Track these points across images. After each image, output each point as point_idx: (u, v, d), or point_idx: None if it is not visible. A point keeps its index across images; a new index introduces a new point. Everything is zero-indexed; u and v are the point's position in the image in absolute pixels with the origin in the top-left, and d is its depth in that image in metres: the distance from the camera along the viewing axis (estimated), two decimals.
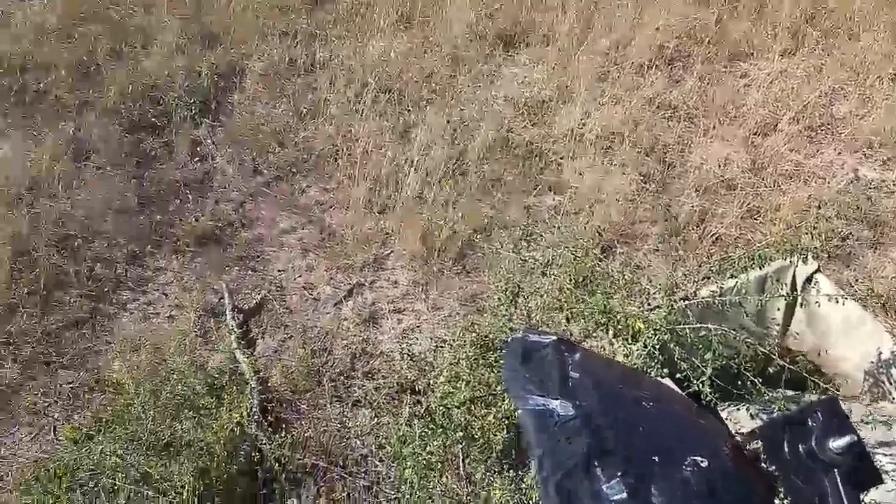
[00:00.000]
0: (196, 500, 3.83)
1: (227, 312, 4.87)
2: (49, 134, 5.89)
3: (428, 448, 3.73)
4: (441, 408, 3.94)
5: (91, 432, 4.19)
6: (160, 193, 5.72)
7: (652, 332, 3.67)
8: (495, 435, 3.70)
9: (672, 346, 3.62)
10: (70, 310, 4.84)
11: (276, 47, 6.87)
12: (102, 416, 4.28)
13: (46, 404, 4.42)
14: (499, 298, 4.38)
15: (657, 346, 3.63)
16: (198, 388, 4.25)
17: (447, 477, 3.86)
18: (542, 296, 4.07)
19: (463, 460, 3.84)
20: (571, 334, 3.92)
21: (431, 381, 4.30)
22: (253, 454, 4.10)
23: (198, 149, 6.09)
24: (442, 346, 4.43)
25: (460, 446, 3.81)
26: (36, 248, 5.04)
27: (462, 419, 3.74)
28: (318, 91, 6.52)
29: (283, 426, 4.33)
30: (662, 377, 3.62)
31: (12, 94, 6.23)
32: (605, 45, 6.98)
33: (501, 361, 3.69)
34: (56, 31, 6.67)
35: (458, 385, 3.98)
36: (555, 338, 3.32)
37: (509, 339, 3.51)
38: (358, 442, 4.34)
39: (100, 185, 5.59)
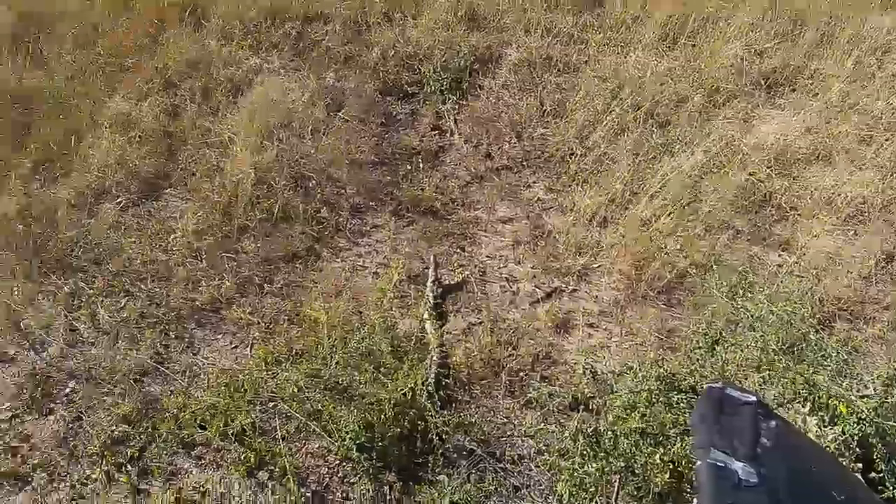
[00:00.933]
0: (355, 448, 4.16)
1: (429, 283, 5.23)
2: (312, 80, 6.59)
3: (586, 468, 3.83)
4: (609, 432, 4.01)
5: (281, 358, 4.71)
6: (395, 156, 6.23)
7: (855, 419, 3.51)
8: (657, 476, 3.72)
9: (875, 441, 3.44)
10: (290, 243, 5.44)
11: (537, 42, 7.18)
12: (294, 347, 4.76)
13: (250, 322, 4.99)
14: (697, 341, 4.37)
15: (856, 437, 3.46)
16: (383, 345, 4.62)
17: (597, 502, 3.92)
18: (742, 350, 4.00)
19: (617, 491, 3.90)
20: (763, 398, 3.83)
21: (606, 404, 4.36)
22: (418, 422, 4.38)
23: (440, 122, 6.55)
24: (626, 373, 4.48)
25: (618, 476, 3.86)
26: (276, 181, 5.68)
27: (627, 450, 3.80)
28: (567, 93, 6.76)
29: (453, 404, 4.59)
30: (853, 471, 3.45)
31: (290, 39, 7.05)
32: (879, 107, 6.56)
33: (690, 405, 3.70)
34: None
35: (632, 415, 4.03)
36: (754, 398, 3.28)
37: (707, 387, 3.52)
38: (519, 441, 4.50)
39: (343, 136, 6.15)
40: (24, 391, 4.68)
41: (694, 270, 5.39)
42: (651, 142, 6.25)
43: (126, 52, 6.91)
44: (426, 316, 5.06)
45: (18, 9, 7.23)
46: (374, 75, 6.87)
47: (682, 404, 3.95)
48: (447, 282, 5.40)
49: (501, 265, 5.59)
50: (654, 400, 4.08)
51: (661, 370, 4.16)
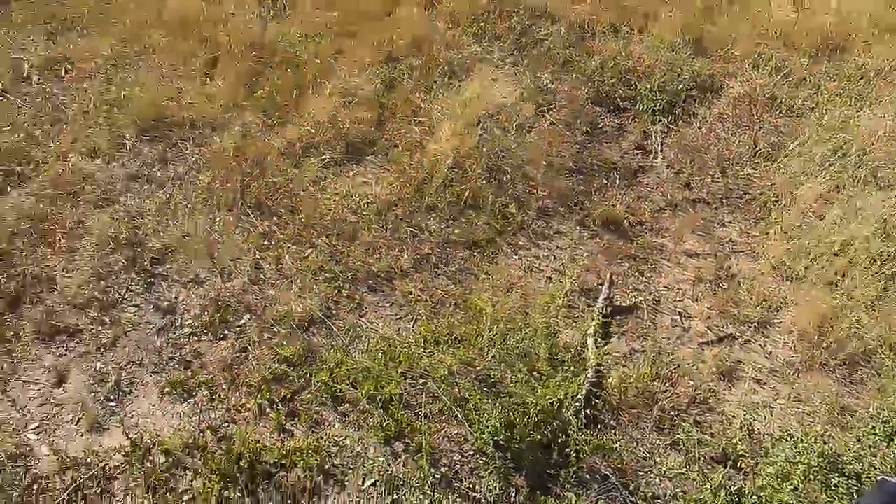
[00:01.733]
0: (491, 443, 4.33)
1: (600, 299, 5.32)
2: (527, 77, 6.83)
3: None
4: (755, 497, 3.95)
5: (440, 339, 4.96)
6: (593, 167, 6.36)
7: None
8: None
9: None
10: (473, 231, 5.72)
11: (764, 79, 7.04)
12: (455, 332, 5.00)
13: (418, 299, 5.31)
14: (874, 427, 4.20)
15: None
16: (542, 350, 4.78)
17: None
18: None
19: None
20: None
21: (758, 466, 4.28)
22: (559, 434, 4.49)
23: (645, 142, 6.59)
24: (786, 439, 4.38)
25: None
26: (472, 168, 5.97)
27: None
28: (784, 137, 6.59)
29: (598, 426, 4.67)
30: None
31: (514, 33, 7.35)
32: None
33: (852, 493, 3.59)
34: None
35: (783, 485, 3.95)
36: None
37: (881, 479, 3.40)
38: (657, 480, 4.51)
39: (547, 137, 6.33)
40: (206, 313, 5.20)
41: (887, 352, 5.11)
42: (863, 199, 5.94)
43: (359, 20, 7.37)
44: (590, 331, 5.15)
45: None
46: (588, 83, 7.01)
47: (841, 489, 3.82)
48: (619, 302, 5.46)
49: (677, 298, 5.57)
50: (811, 476, 3.97)
51: (826, 447, 4.04)
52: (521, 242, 5.86)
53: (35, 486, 4.45)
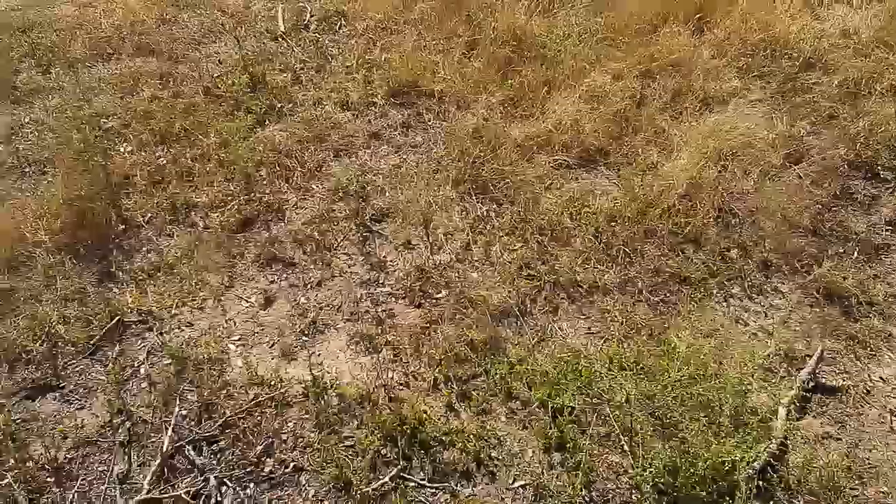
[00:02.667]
0: (650, 484, 4.22)
1: (804, 371, 5.02)
2: (783, 124, 6.55)
3: None
4: None
5: (625, 365, 4.89)
6: (832, 232, 6.02)
7: None
8: None
9: None
10: (687, 266, 5.65)
11: None
12: (642, 362, 4.90)
13: (614, 319, 5.35)
14: None
15: None
16: (727, 405, 4.57)
17: None
18: None
19: None
20: None
21: None
22: (725, 497, 4.29)
23: None
24: None
25: None
26: (701, 203, 5.90)
27: None
28: None
29: (768, 501, 4.42)
30: None
31: (781, 76, 7.12)
32: None
33: None
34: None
35: None
36: None
37: None
38: None
39: (789, 190, 6.02)
40: (409, 278, 5.44)
41: None
42: None
43: (623, 31, 7.35)
44: (785, 401, 4.85)
45: None
46: (850, 143, 6.54)
47: None
48: (824, 380, 5.09)
49: (892, 394, 5.11)
50: None
51: None
52: (734, 290, 5.62)
53: (223, 391, 4.87)
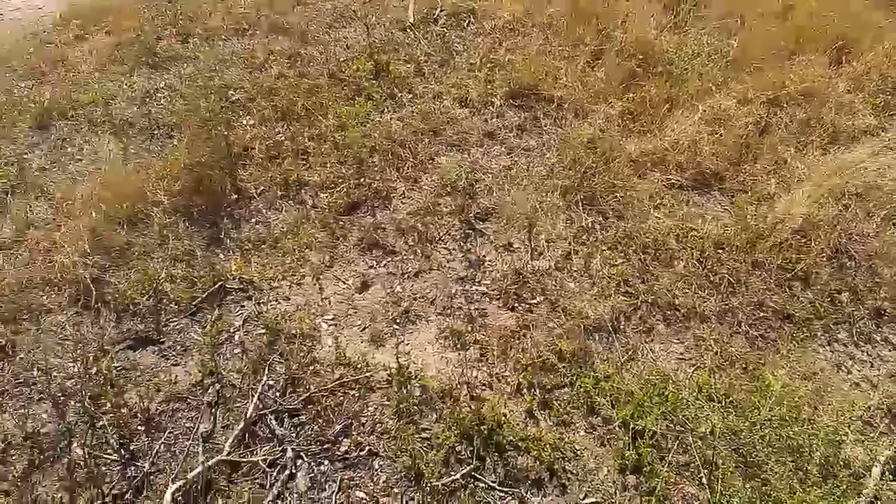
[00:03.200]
0: None
1: None
2: None
3: None
4: None
5: (713, 395, 4.81)
6: None
7: None
8: None
9: None
10: (793, 303, 5.46)
11: None
12: (732, 395, 4.79)
13: (709, 348, 5.19)
14: None
15: None
16: (817, 453, 4.48)
17: None
18: None
19: None
20: None
21: None
22: None
23: None
24: None
25: None
26: (816, 241, 5.69)
27: None
28: None
29: None
30: None
31: None
32: None
33: None
34: None
35: None
36: None
37: None
38: None
39: None
40: (505, 280, 5.45)
41: None
42: None
43: (756, 55, 7.17)
44: (882, 458, 4.62)
45: None
46: None
47: None
48: None
49: None
50: None
51: None
52: (840, 335, 5.38)
53: (311, 367, 5.00)
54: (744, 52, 7.37)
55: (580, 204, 5.99)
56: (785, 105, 6.88)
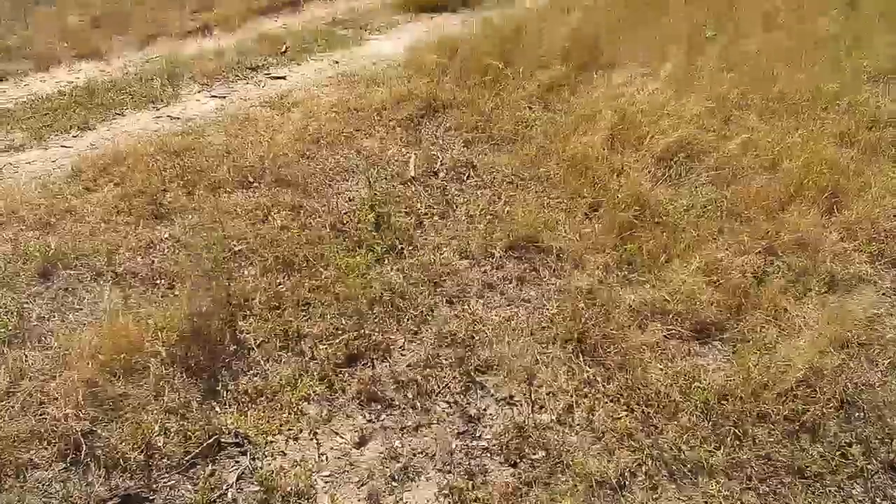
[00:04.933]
0: None
1: None
2: None
3: None
4: None
5: None
6: None
7: None
8: None
9: None
10: (803, 457, 5.22)
11: None
12: None
13: None
14: None
15: None
16: None
17: None
18: None
19: None
20: None
21: None
22: None
23: None
24: None
25: None
26: (822, 391, 5.59)
27: None
28: None
29: None
30: None
31: None
32: None
33: None
34: None
35: None
36: None
37: None
38: None
39: None
40: (506, 435, 5.32)
41: None
42: None
43: (750, 206, 7.36)
44: None
45: None
46: None
47: None
48: None
49: None
50: None
51: None
52: (854, 491, 5.18)
53: None
54: (737, 203, 7.50)
55: (581, 355, 5.93)
56: (781, 254, 6.94)
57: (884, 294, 6.72)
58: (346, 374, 5.85)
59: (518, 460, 5.23)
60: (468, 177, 8.07)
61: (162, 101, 9.68)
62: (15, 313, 6.37)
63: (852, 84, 9.46)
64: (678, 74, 9.57)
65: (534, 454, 5.28)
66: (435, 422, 5.50)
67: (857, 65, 9.84)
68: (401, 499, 4.98)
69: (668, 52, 10.14)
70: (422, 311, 6.34)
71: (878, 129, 8.83)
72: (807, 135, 8.50)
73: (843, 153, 8.37)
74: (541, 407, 5.58)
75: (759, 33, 10.61)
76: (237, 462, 5.25)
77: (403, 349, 6.05)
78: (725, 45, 10.36)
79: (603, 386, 5.73)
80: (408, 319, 6.27)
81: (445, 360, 5.93)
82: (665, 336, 6.12)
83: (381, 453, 5.28)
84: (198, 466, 5.22)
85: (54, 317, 6.44)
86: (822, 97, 9.19)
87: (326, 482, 5.11)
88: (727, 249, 6.91)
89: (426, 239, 7.15)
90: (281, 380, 5.81)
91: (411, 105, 9.06)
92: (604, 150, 8.14)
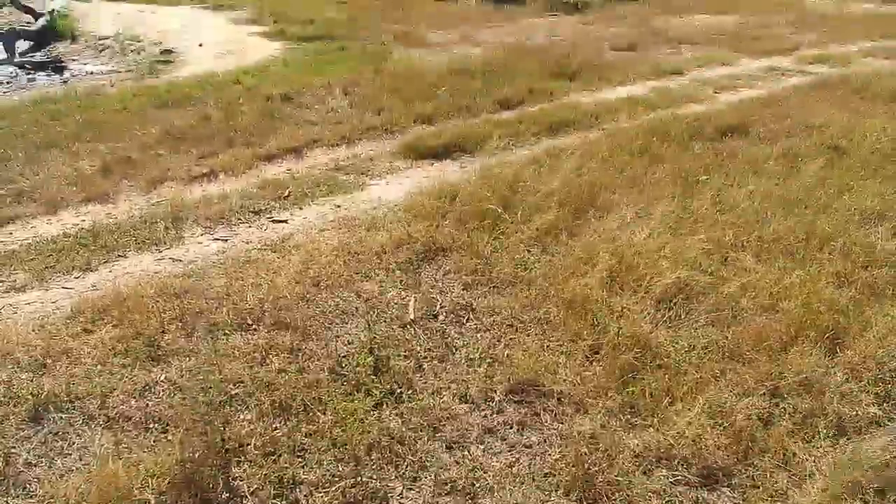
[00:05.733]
0: None
1: None
2: None
3: None
4: None
5: None
6: None
7: None
8: None
9: None
10: None
11: None
12: None
13: None
14: None
15: None
16: None
17: None
18: None
19: None
20: None
21: None
22: None
23: None
24: None
25: None
26: None
27: None
28: None
29: None
30: None
31: None
32: None
33: None
34: None
35: None
36: None
37: None
38: None
39: None
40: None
41: None
42: None
43: (751, 346, 7.33)
44: None
45: None
46: None
47: None
48: None
49: None
50: None
51: None
52: None
53: None
54: (739, 344, 7.45)
55: (585, 503, 5.70)
56: (786, 395, 6.83)
57: (895, 438, 6.53)
58: None
59: None
60: (468, 320, 8.05)
61: (165, 243, 9.77)
62: (1, 458, 6.18)
63: (844, 226, 9.59)
64: (673, 217, 9.72)
65: None
66: None
67: (848, 207, 10.01)
68: None
69: (662, 196, 10.35)
70: (420, 458, 6.14)
71: (874, 269, 8.87)
72: (804, 275, 8.53)
73: (842, 293, 8.37)
74: None
75: (749, 179, 10.87)
76: None
77: (402, 497, 5.83)
78: (718, 188, 10.58)
79: None
80: (406, 466, 6.08)
81: None
82: (671, 482, 5.93)
83: None
84: None
85: (42, 462, 6.25)
86: (817, 238, 9.29)
87: None
88: (731, 391, 6.79)
89: (425, 383, 7.04)
90: None
91: (411, 249, 9.15)
92: (602, 292, 8.15)
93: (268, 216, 10.70)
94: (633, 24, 24.62)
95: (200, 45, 20.45)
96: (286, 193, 11.28)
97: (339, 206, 10.94)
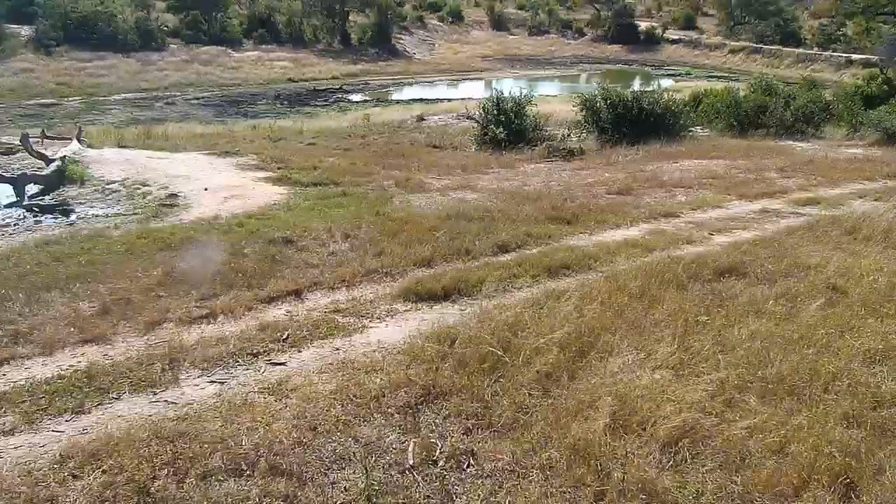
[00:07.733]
0: None
1: None
2: None
3: None
4: None
5: None
6: None
7: None
8: None
9: None
10: None
11: None
12: None
13: None
14: None
15: None
16: None
17: None
18: None
19: None
20: None
21: None
22: None
23: None
24: None
25: None
26: None
27: None
28: None
29: None
30: None
31: None
32: None
33: None
34: None
35: None
36: None
37: None
38: None
39: None
40: None
41: None
42: None
43: (762, 493, 7.04)
44: None
45: None
46: None
47: None
48: None
49: None
50: None
51: None
52: None
53: None
54: (748, 489, 7.23)
55: None
56: None
57: None
58: None
59: None
60: (468, 465, 7.80)
61: (161, 385, 9.62)
62: None
63: (848, 365, 9.49)
64: (675, 359, 9.62)
65: None
66: None
67: (851, 347, 9.94)
68: None
69: (663, 338, 10.29)
70: None
71: (882, 409, 8.69)
72: (811, 417, 8.35)
73: (852, 434, 8.16)
74: None
75: (750, 320, 10.85)
76: None
77: None
78: (719, 329, 10.54)
79: None
80: None
81: None
82: None
83: None
84: None
85: None
86: (821, 379, 9.17)
87: None
88: None
89: None
90: None
91: (410, 392, 9.00)
92: (606, 435, 7.95)
93: (266, 358, 10.59)
94: (628, 169, 25.28)
95: (206, 190, 20.88)
96: (285, 336, 11.22)
97: (337, 349, 10.84)
